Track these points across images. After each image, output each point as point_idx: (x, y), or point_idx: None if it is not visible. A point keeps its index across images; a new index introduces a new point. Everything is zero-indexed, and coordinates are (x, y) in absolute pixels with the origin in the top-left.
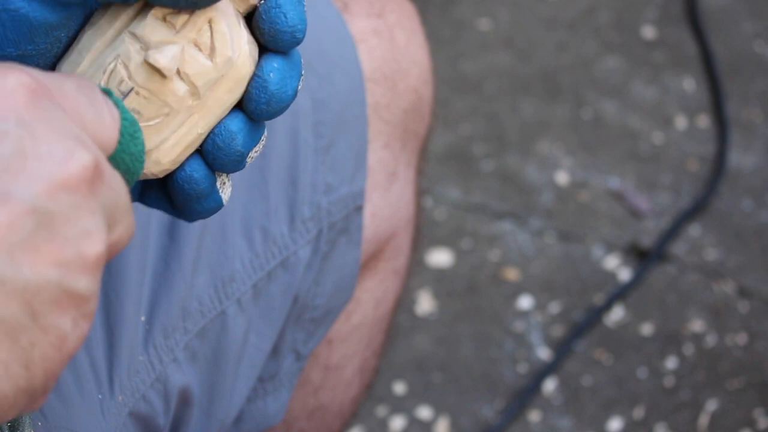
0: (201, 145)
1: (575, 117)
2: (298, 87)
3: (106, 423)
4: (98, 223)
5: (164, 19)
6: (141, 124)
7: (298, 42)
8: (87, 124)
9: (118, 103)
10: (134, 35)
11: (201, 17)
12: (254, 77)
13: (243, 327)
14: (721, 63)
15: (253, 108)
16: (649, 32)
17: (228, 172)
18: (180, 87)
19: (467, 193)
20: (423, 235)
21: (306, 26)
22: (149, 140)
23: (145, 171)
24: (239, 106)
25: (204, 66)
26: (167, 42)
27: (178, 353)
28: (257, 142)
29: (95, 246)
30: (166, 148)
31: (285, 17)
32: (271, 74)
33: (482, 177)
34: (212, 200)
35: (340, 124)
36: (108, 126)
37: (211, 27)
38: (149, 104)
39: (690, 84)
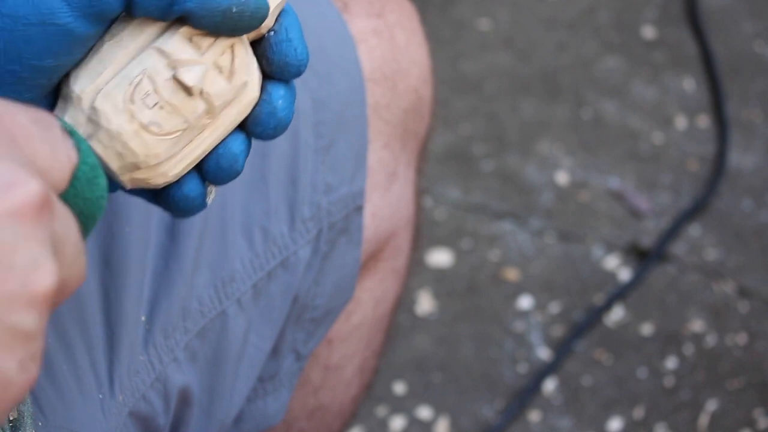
0: (201, 165)
1: (575, 117)
2: (293, 112)
3: (107, 423)
4: (47, 254)
5: (191, 40)
6: (159, 137)
7: (301, 74)
8: (37, 158)
9: (80, 145)
10: (162, 51)
11: (225, 42)
12: (263, 103)
13: (243, 327)
14: (721, 63)
15: (260, 132)
16: (649, 32)
17: (221, 185)
18: (200, 105)
19: (467, 193)
20: (423, 235)
21: (309, 59)
22: (162, 153)
23: (149, 182)
24: (240, 127)
25: (223, 88)
26: (194, 62)
27: (178, 353)
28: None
29: (44, 278)
30: (175, 162)
31: (295, 51)
32: (280, 101)
33: (482, 177)
34: (199, 209)
35: (340, 124)
36: (60, 166)
37: (232, 52)
38: (170, 119)
39: (690, 84)
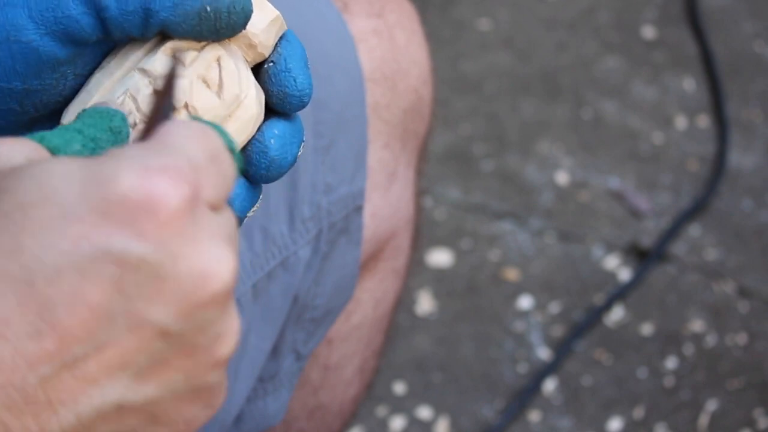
0: None
1: (575, 117)
2: (298, 153)
3: None
4: (231, 324)
5: (174, 57)
6: None
7: (305, 105)
8: (221, 196)
9: (231, 146)
10: (143, 70)
11: (210, 54)
12: (254, 141)
13: (243, 327)
14: (721, 63)
15: (253, 172)
16: (649, 32)
17: None
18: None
19: (467, 193)
20: (423, 235)
21: (312, 91)
22: None
23: None
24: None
25: (211, 101)
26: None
27: None
28: (254, 204)
29: (227, 348)
30: None
31: (294, 81)
32: (272, 140)
33: (482, 177)
34: None
35: (340, 124)
36: (231, 185)
37: (219, 64)
38: None
39: (690, 84)
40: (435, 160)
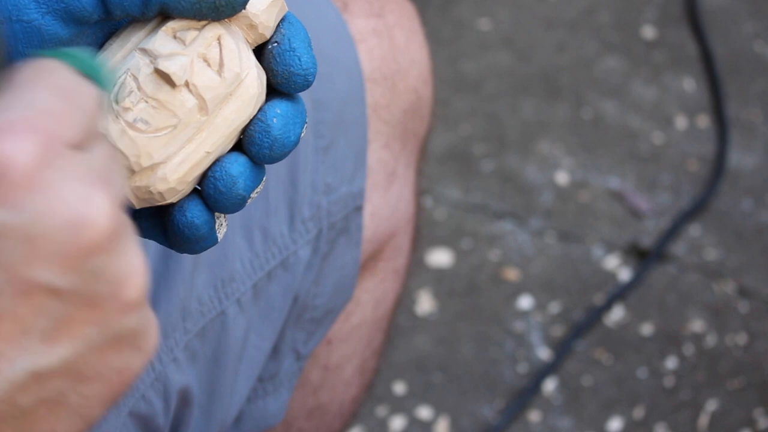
0: (202, 188)
1: (575, 117)
2: (301, 134)
3: (106, 423)
4: (130, 263)
5: (175, 36)
6: (149, 135)
7: (310, 85)
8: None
9: (89, 72)
10: (144, 50)
11: (210, 33)
12: (257, 121)
13: (243, 327)
14: (721, 63)
15: (256, 152)
16: (649, 32)
17: (228, 213)
18: (188, 99)
19: (467, 193)
20: (423, 235)
21: (317, 70)
22: (157, 152)
23: (151, 189)
24: (240, 149)
25: (212, 79)
26: (176, 54)
27: (178, 353)
28: (258, 184)
29: (134, 288)
30: (174, 165)
31: (299, 60)
32: (275, 120)
33: (482, 177)
34: (209, 241)
35: (340, 124)
36: (91, 109)
37: (220, 43)
38: (157, 114)
39: (690, 84)
40: (435, 160)
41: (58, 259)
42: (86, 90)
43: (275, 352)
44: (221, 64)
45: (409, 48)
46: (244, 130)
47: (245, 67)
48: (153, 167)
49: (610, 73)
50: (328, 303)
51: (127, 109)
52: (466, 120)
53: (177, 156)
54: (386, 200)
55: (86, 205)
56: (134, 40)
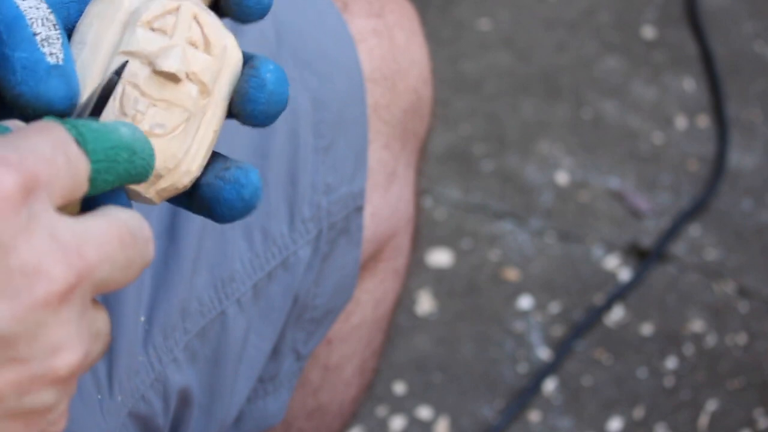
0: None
1: (575, 117)
2: (288, 92)
3: (106, 423)
4: (70, 338)
5: (153, 29)
6: (168, 137)
7: (266, 9)
8: (59, 191)
9: (83, 138)
10: (131, 53)
11: (186, 14)
12: (251, 78)
13: (243, 327)
14: (721, 63)
15: (251, 109)
16: (649, 32)
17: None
18: (192, 88)
19: (467, 193)
20: (423, 235)
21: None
22: (177, 151)
23: (177, 186)
24: (235, 115)
25: (206, 60)
26: (167, 48)
27: (178, 353)
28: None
29: (65, 364)
30: (192, 155)
31: None
32: (269, 74)
33: (482, 177)
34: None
35: (340, 124)
36: (80, 179)
37: (198, 22)
38: (170, 114)
39: (690, 84)
40: (435, 160)
41: (8, 301)
42: (80, 155)
43: (275, 352)
44: (207, 43)
45: (409, 48)
46: (235, 93)
47: (224, 35)
48: (177, 166)
49: (610, 73)
50: (328, 303)
51: (139, 119)
52: (466, 120)
53: (193, 146)
54: (386, 200)
55: (52, 260)
56: (108, 40)
